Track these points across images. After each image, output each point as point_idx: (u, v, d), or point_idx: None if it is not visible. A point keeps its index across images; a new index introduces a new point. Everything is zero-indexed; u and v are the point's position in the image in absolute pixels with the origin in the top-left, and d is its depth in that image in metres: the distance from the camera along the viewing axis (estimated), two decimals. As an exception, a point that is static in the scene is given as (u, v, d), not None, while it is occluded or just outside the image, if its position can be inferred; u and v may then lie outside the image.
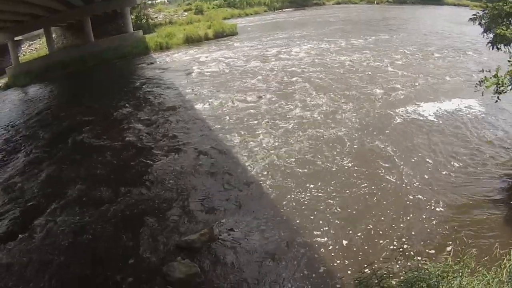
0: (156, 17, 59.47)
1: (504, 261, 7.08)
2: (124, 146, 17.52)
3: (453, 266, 7.00)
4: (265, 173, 13.69)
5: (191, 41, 44.47)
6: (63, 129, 21.01)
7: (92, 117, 21.89)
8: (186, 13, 62.12)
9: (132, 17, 51.45)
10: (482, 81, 10.58)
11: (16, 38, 46.68)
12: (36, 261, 10.54)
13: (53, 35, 47.41)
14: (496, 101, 10.92)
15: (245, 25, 54.07)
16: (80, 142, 18.72)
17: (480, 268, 7.05)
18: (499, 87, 10.46)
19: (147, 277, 9.64)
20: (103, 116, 22.04)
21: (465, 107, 18.70)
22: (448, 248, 9.05)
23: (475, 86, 10.98)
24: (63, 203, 13.27)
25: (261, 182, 13.12)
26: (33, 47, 54.43)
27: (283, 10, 74.51)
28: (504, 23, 12.41)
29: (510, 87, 10.62)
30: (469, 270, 6.92)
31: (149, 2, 63.76)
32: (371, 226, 10.58)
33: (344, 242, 10.08)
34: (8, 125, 23.83)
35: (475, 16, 13.36)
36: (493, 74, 10.46)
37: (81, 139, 18.92)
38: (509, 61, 10.98)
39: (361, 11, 69.02)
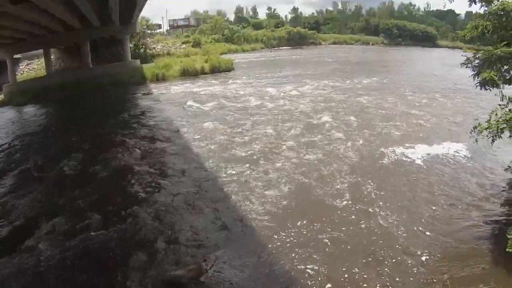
0: (154, 47, 60.19)
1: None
2: (113, 175, 17.55)
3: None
4: (255, 209, 13.86)
5: (188, 73, 45.14)
6: (55, 152, 21.00)
7: (85, 143, 21.98)
8: (184, 45, 62.93)
9: (131, 45, 52.12)
10: (475, 127, 10.86)
11: (15, 56, 47.07)
12: (15, 286, 10.54)
13: (52, 57, 47.72)
14: (492, 143, 11.14)
15: (242, 61, 54.92)
16: (71, 167, 18.63)
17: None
18: (492, 132, 10.70)
19: None
20: (96, 142, 22.15)
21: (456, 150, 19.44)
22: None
23: (470, 132, 11.31)
24: (48, 230, 13.05)
25: (251, 218, 13.26)
26: (31, 67, 54.79)
27: (280, 48, 75.88)
28: (496, 66, 12.89)
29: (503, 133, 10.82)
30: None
31: (149, 31, 64.35)
32: (357, 270, 10.66)
33: (330, 284, 10.16)
34: (0, 144, 23.81)
35: (466, 62, 13.82)
36: (486, 120, 10.73)
37: (72, 164, 18.84)
38: (499, 104, 11.33)
39: (357, 52, 70.34)
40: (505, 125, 9.79)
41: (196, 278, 10.32)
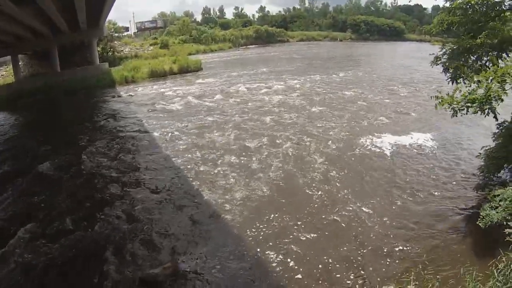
0: (122, 50, 60.16)
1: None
2: (85, 178, 17.72)
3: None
4: (230, 207, 14.18)
5: (156, 75, 45.49)
6: (25, 159, 21.12)
7: (55, 148, 22.03)
8: (152, 47, 63.06)
9: (99, 49, 52.16)
10: (437, 97, 11.24)
11: (-17, 65, 46.65)
12: None
13: (20, 63, 47.51)
14: (452, 117, 11.57)
15: (210, 60, 55.36)
16: (41, 173, 18.65)
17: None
18: (455, 106, 11.16)
19: None
20: (67, 147, 22.25)
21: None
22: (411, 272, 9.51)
23: (430, 98, 11.74)
24: (24, 233, 13.05)
25: (225, 215, 13.62)
26: (-1, 74, 54.40)
27: (248, 46, 76.39)
28: (463, 58, 13.64)
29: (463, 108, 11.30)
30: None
31: (116, 34, 64.31)
32: (333, 259, 11.10)
33: (305, 275, 10.55)
34: None
35: (435, 60, 14.59)
36: (448, 95, 11.24)
37: (45, 170, 18.90)
38: (464, 82, 11.92)
39: (326, 47, 70.96)
40: (469, 104, 10.23)
41: (172, 275, 10.55)
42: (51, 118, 31.06)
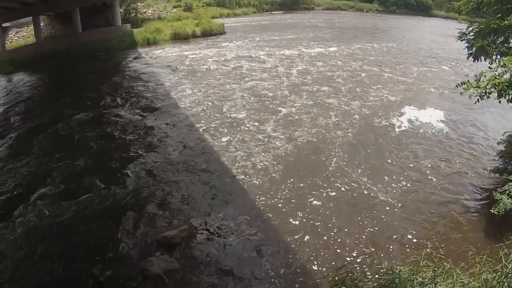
0: (145, 12, 59.30)
1: (478, 268, 7.40)
2: (105, 140, 17.62)
3: (424, 269, 7.30)
4: (247, 172, 14.01)
5: (179, 37, 44.56)
6: (46, 120, 21.01)
7: (76, 110, 21.77)
8: (175, 10, 62.09)
9: (121, 10, 51.26)
10: (463, 83, 10.91)
11: (4, 25, 46.39)
12: (12, 252, 10.62)
13: (41, 24, 47.15)
14: (475, 102, 11.18)
15: (233, 25, 54.25)
16: (62, 134, 18.69)
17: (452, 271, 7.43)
18: (480, 90, 10.75)
19: (126, 271, 9.80)
20: (86, 109, 21.97)
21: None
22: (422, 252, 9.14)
23: (456, 86, 11.34)
24: (42, 194, 13.25)
25: (243, 181, 13.45)
26: (20, 35, 54.05)
27: (272, 12, 74.89)
28: (490, 38, 12.91)
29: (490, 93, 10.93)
30: (443, 274, 7.32)
31: (139, -4, 63.46)
32: (347, 230, 10.97)
33: (321, 243, 10.44)
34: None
35: (461, 35, 13.93)
36: (475, 79, 10.79)
37: (63, 131, 18.92)
38: (489, 67, 11.35)
39: (352, 18, 69.68)
40: (493, 89, 9.70)
41: (187, 238, 10.68)
42: (72, 79, 30.79)
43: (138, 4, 60.59)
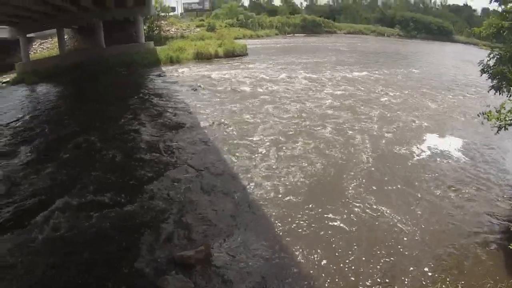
0: (168, 30, 59.80)
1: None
2: (125, 156, 17.56)
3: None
4: (267, 196, 13.72)
5: (202, 57, 44.66)
6: (68, 131, 21.15)
7: (98, 123, 21.97)
8: (198, 29, 62.54)
9: (145, 27, 51.75)
10: (484, 113, 10.75)
11: (28, 35, 46.82)
12: (29, 259, 10.60)
13: (65, 37, 47.58)
14: (496, 133, 11.06)
15: (256, 46, 54.42)
16: (84, 146, 18.79)
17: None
18: (500, 123, 10.64)
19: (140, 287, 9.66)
20: (108, 122, 22.14)
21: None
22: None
23: (478, 116, 11.48)
24: (62, 204, 13.26)
25: (263, 204, 13.20)
26: (44, 46, 54.62)
27: (294, 35, 75.19)
28: (510, 65, 12.63)
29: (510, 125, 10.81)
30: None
31: (163, 14, 63.90)
32: (364, 259, 10.70)
33: (338, 271, 10.21)
34: (15, 121, 23.82)
35: (483, 66, 13.66)
36: (496, 110, 10.65)
37: (85, 144, 19.00)
38: (510, 100, 11.19)
39: (374, 42, 69.72)
40: None
41: (204, 260, 10.50)
42: (94, 93, 30.90)
43: (162, 22, 61.09)
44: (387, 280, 9.99)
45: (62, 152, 18.21)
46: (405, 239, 11.69)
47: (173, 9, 77.36)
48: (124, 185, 14.68)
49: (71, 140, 19.46)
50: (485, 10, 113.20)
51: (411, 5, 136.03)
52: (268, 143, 18.35)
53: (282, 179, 14.95)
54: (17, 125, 23.03)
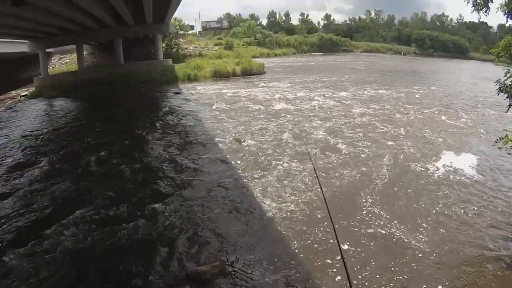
0: (186, 48, 60.19)
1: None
2: (142, 171, 17.48)
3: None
4: (284, 216, 13.37)
5: (219, 75, 44.95)
6: (85, 145, 21.23)
7: (115, 138, 22.05)
8: (216, 47, 62.97)
9: (163, 45, 52.20)
10: (501, 138, 10.66)
11: (47, 50, 47.41)
12: (43, 269, 10.52)
13: (84, 52, 48.06)
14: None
15: (273, 65, 54.62)
16: (100, 160, 18.79)
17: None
18: None
19: None
20: (125, 138, 22.16)
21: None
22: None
23: (495, 142, 11.15)
24: (77, 217, 13.22)
25: (279, 222, 12.93)
26: (63, 61, 55.28)
27: (312, 53, 75.44)
28: None
29: None
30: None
31: (181, 32, 64.33)
32: (378, 277, 10.34)
33: None
34: (30, 134, 24.03)
35: (501, 85, 13.40)
36: None
37: (101, 158, 19.03)
38: None
39: (390, 61, 69.70)
40: None
41: (218, 275, 10.26)
42: (112, 108, 31.09)
43: (180, 39, 61.47)
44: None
45: (78, 165, 18.31)
46: (420, 255, 11.21)
47: (192, 27, 78.16)
48: (139, 200, 14.61)
49: (87, 153, 19.60)
50: (500, 27, 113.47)
51: (427, 23, 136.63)
52: (286, 160, 17.99)
53: (298, 195, 14.65)
54: (35, 137, 23.27)
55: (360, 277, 10.18)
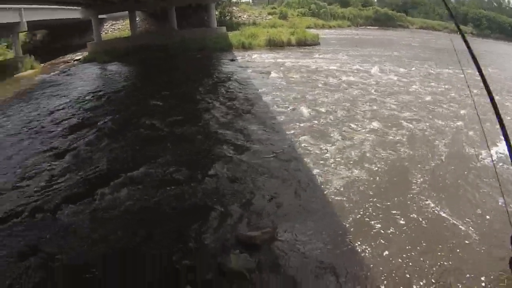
0: (240, 16, 59.39)
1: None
2: (196, 135, 17.29)
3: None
4: (339, 186, 12.82)
5: (274, 44, 44.02)
6: (138, 109, 21.39)
7: (169, 103, 21.95)
8: (270, 16, 61.89)
9: (216, 13, 51.56)
10: None
11: (100, 16, 47.70)
12: (96, 229, 10.70)
13: (137, 19, 48.05)
14: None
15: (328, 36, 53.24)
16: (154, 124, 18.79)
17: None
18: None
19: (203, 263, 9.39)
20: (180, 103, 22.04)
21: None
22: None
23: None
24: (131, 177, 13.35)
25: (334, 195, 12.37)
26: (115, 27, 55.52)
27: (367, 27, 73.68)
28: None
29: None
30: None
31: (234, 0, 63.66)
32: (420, 262, 9.52)
33: (397, 272, 9.21)
34: (87, 96, 24.45)
35: None
36: None
37: (155, 122, 19.03)
38: None
39: (445, 40, 67.25)
40: None
41: (269, 241, 10.17)
42: (167, 74, 30.81)
43: (234, 8, 60.77)
44: (444, 281, 8.94)
45: (137, 127, 18.52)
46: (466, 242, 10.27)
47: (245, -4, 77.06)
48: (197, 163, 14.48)
49: (145, 116, 19.67)
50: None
51: (484, 3, 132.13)
52: (340, 132, 17.19)
53: (354, 170, 13.88)
54: (93, 99, 23.79)
55: (403, 258, 9.65)
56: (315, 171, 13.82)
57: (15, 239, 10.70)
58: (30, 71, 38.97)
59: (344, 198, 12.10)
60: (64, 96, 25.04)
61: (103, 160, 14.93)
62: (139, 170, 13.82)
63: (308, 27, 57.43)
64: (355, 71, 31.50)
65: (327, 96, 23.24)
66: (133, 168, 13.97)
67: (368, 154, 15.14)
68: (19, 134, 18.89)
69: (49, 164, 15.05)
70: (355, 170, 13.88)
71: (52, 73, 35.82)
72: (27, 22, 43.10)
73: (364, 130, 17.65)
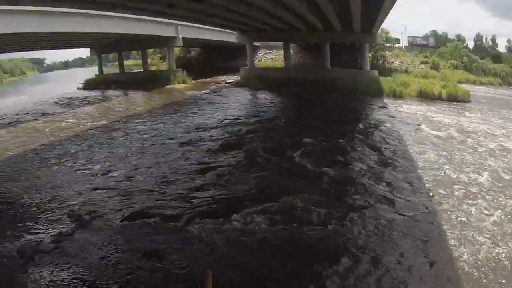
0: (392, 62, 59.06)
1: None
2: (339, 177, 17.30)
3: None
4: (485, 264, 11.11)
5: (424, 96, 42.98)
6: (284, 141, 22.36)
7: (321, 144, 22.08)
8: (422, 66, 60.89)
9: (369, 55, 51.42)
10: None
11: (254, 43, 49.30)
12: (223, 247, 11.25)
13: (291, 51, 49.13)
14: None
15: (477, 94, 50.76)
16: (302, 159, 19.17)
17: None
18: None
19: None
20: (326, 140, 22.59)
21: None
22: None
23: None
24: (267, 208, 13.56)
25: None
26: (269, 56, 57.49)
27: (521, 87, 70.47)
28: None
29: None
30: None
31: (388, 44, 63.31)
32: None
33: None
34: (237, 120, 26.50)
35: None
36: None
37: (304, 156, 19.47)
38: None
39: None
40: None
41: None
42: (320, 112, 31.36)
43: (387, 52, 60.48)
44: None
45: (280, 159, 19.26)
46: None
47: (398, 40, 76.38)
48: (331, 207, 14.20)
49: (286, 151, 20.29)
50: None
51: None
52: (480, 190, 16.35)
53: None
54: (240, 124, 25.30)
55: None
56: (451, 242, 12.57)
57: (144, 239, 11.55)
58: (182, 85, 42.03)
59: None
60: (216, 115, 26.29)
61: (240, 185, 15.72)
62: (272, 203, 14.00)
63: (459, 82, 55.84)
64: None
65: (475, 161, 21.28)
66: (274, 199, 14.26)
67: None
68: (173, 142, 21.78)
69: (191, 176, 16.70)
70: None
71: (203, 91, 37.97)
72: (183, 38, 45.98)
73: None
